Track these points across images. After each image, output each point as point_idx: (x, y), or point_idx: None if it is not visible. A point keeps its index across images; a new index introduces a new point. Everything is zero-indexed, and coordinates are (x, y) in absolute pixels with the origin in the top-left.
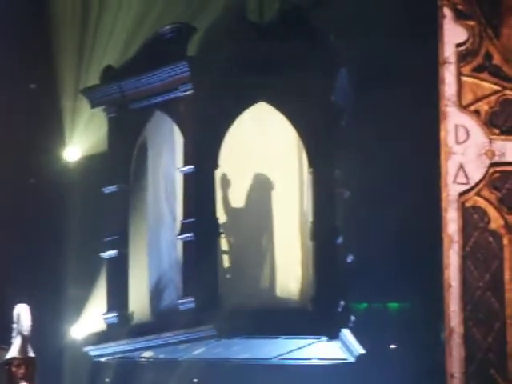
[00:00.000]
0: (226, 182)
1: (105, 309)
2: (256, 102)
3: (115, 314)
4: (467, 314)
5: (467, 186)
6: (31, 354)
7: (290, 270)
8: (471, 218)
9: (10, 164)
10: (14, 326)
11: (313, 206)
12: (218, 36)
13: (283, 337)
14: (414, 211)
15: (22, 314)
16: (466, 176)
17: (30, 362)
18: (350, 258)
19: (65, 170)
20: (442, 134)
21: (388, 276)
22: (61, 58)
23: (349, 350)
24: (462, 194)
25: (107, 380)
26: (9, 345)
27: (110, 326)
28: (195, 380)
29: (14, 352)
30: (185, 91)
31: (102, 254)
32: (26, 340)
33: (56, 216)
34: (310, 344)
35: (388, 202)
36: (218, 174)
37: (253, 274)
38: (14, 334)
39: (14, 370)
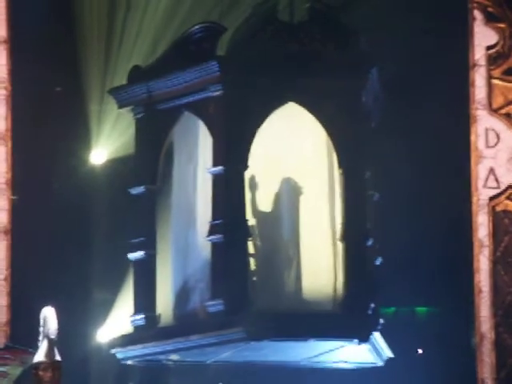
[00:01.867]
0: (255, 183)
1: (132, 311)
2: (286, 103)
3: (142, 316)
4: (498, 319)
5: (498, 190)
6: (58, 357)
7: (319, 272)
8: (502, 222)
9: (37, 167)
10: (41, 329)
11: (343, 208)
12: (248, 35)
13: (313, 339)
14: (445, 215)
15: (49, 318)
16: (497, 180)
17: (56, 366)
18: (379, 261)
19: (91, 173)
20: (473, 137)
21: (416, 280)
22: (87, 59)
23: (378, 353)
24: (492, 199)
25: (133, 383)
26: (36, 348)
27: (137, 328)
28: None
29: (40, 356)
30: (214, 91)
31: (129, 255)
32: (52, 344)
33: (83, 219)
34: (340, 347)
35: (418, 205)
36: (247, 175)
37: (282, 277)
38: (40, 337)
39: (41, 373)
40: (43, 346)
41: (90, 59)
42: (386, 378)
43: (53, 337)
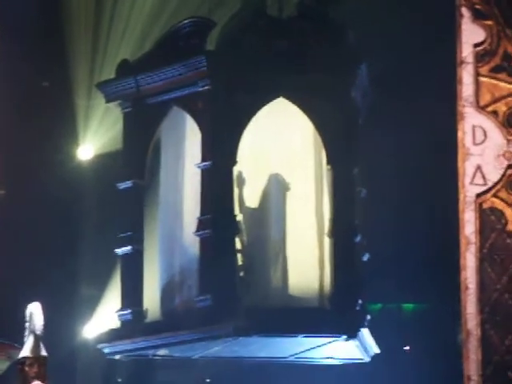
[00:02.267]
0: (243, 179)
1: (119, 306)
2: (275, 98)
3: (130, 311)
4: (484, 316)
5: (484, 188)
6: (44, 353)
7: (307, 267)
8: (488, 219)
9: (24, 162)
10: (27, 324)
11: (331, 204)
12: (236, 31)
13: (301, 335)
14: (431, 212)
15: (35, 313)
16: (484, 177)
17: (42, 361)
18: (366, 257)
19: (78, 168)
20: (460, 134)
21: (403, 276)
22: (74, 54)
23: (365, 349)
24: (479, 196)
25: (120, 378)
26: (21, 344)
27: (124, 323)
28: (208, 380)
29: (26, 351)
30: (202, 86)
31: (116, 250)
32: (38, 339)
33: (70, 213)
34: (327, 343)
35: (405, 202)
36: (235, 170)
37: (270, 272)
38: (26, 333)
39: (26, 369)
40: (29, 341)
41: (77, 54)
42: (373, 375)
43: (38, 332)
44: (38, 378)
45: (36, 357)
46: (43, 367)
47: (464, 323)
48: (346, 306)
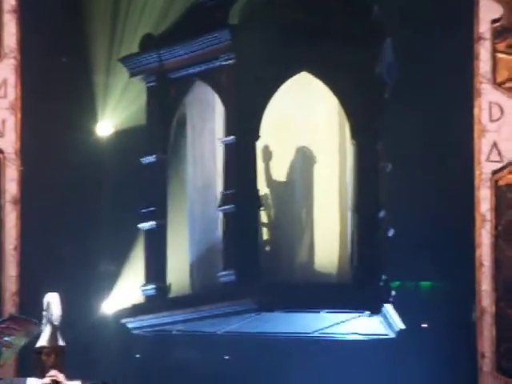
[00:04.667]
0: (267, 154)
1: (143, 281)
2: (298, 72)
3: (153, 286)
4: (499, 293)
5: (501, 165)
6: (61, 342)
7: (331, 243)
8: (504, 196)
9: (45, 138)
10: (44, 313)
11: (355, 179)
12: (260, 4)
13: (324, 311)
14: (448, 188)
15: (52, 303)
16: (500, 154)
17: (59, 351)
18: (391, 232)
19: (99, 144)
20: (476, 111)
21: (420, 254)
22: (93, 29)
23: (390, 325)
24: (495, 173)
25: (139, 354)
26: (41, 319)
27: (147, 298)
28: (226, 357)
29: (43, 341)
30: (226, 60)
31: (140, 225)
32: (55, 329)
33: (91, 189)
34: (351, 318)
35: (423, 179)
36: (259, 145)
37: (294, 248)
38: (43, 321)
39: (44, 358)
40: (46, 331)
41: (96, 29)
42: (391, 351)
43: (56, 323)
44: (54, 367)
45: (53, 346)
46: (60, 357)
47: (478, 301)
48: (369, 282)
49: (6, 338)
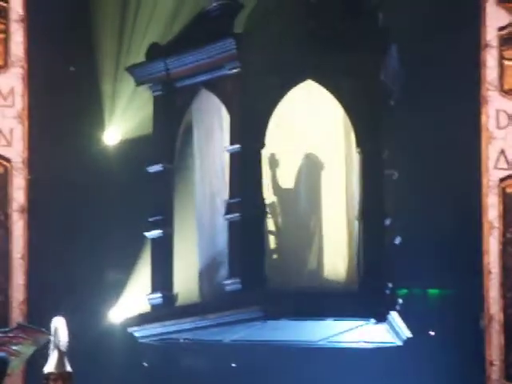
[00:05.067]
0: (273, 162)
1: (149, 290)
2: (304, 80)
3: (160, 295)
4: (507, 301)
5: (508, 172)
6: (68, 368)
7: (337, 251)
8: None
9: (52, 147)
10: (52, 338)
11: (361, 186)
12: (265, 13)
13: (330, 319)
14: (457, 196)
15: (59, 329)
16: (507, 161)
17: (66, 377)
18: (397, 240)
19: (105, 153)
20: (483, 118)
21: (428, 262)
22: (101, 38)
23: (396, 333)
24: (502, 180)
25: (146, 362)
26: (49, 329)
27: (154, 307)
28: (233, 365)
29: (51, 367)
30: (232, 69)
31: (146, 234)
32: (62, 355)
33: (98, 198)
34: (357, 326)
35: (430, 186)
36: (265, 153)
37: (300, 255)
38: (51, 347)
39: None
40: (53, 356)
41: (104, 38)
42: (399, 359)
43: (63, 348)
44: None
45: (60, 372)
46: (67, 382)
47: (487, 308)
48: (374, 290)
49: (13, 347)
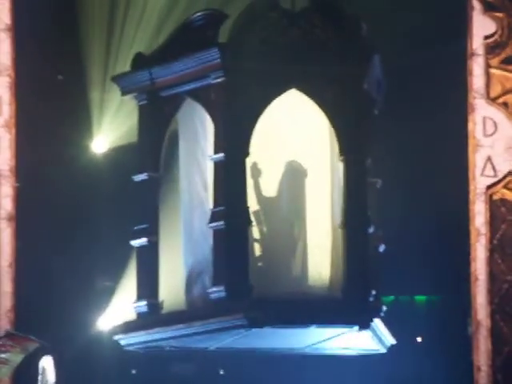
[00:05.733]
0: (257, 170)
1: (135, 297)
2: (288, 89)
3: (145, 303)
4: (494, 307)
5: (495, 179)
6: None
7: (321, 259)
8: (499, 210)
9: (40, 155)
10: (40, 377)
11: (344, 194)
12: (249, 22)
13: (314, 326)
14: (443, 203)
15: (47, 369)
16: (494, 169)
17: None
18: (382, 248)
19: (93, 161)
20: (470, 126)
21: (415, 268)
22: (88, 47)
23: (380, 340)
24: (489, 187)
25: (135, 370)
26: (37, 336)
27: (139, 314)
28: (221, 372)
29: None
30: (216, 78)
31: (132, 242)
32: None
33: (86, 206)
34: (341, 333)
35: (417, 193)
36: (249, 162)
37: (284, 263)
38: None
39: None
40: None
41: (91, 47)
42: (385, 366)
43: None
44: None
45: None
46: None
47: (474, 314)
48: (358, 297)
49: (2, 355)
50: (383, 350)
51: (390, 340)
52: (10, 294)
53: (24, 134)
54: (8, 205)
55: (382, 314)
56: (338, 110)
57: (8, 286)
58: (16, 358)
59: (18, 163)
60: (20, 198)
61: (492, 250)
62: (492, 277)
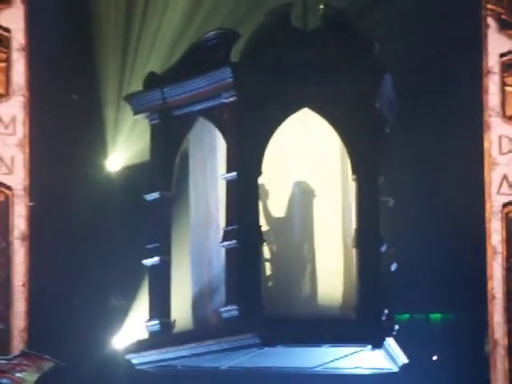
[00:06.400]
0: (268, 189)
1: (147, 316)
2: (300, 109)
3: (157, 322)
4: (511, 326)
5: (511, 197)
6: None
7: (333, 277)
8: None
9: (54, 174)
10: None
11: (357, 214)
12: (262, 42)
13: (327, 345)
14: (459, 221)
15: None
16: (510, 187)
17: None
18: (394, 266)
19: (108, 180)
20: (486, 144)
21: (430, 286)
22: (103, 66)
23: (392, 359)
24: (505, 205)
25: None
26: (52, 355)
27: (152, 333)
28: None
29: None
30: (228, 98)
31: (144, 261)
32: None
33: (99, 225)
34: (353, 353)
35: (434, 211)
36: (261, 180)
37: (296, 282)
38: None
39: None
40: None
41: (106, 66)
42: None
43: None
44: None
45: None
46: None
47: (491, 333)
48: (371, 316)
49: (17, 375)
50: (396, 369)
51: (403, 359)
52: (23, 314)
53: (38, 153)
54: (22, 224)
55: (395, 333)
56: (351, 129)
57: (22, 306)
58: (31, 377)
59: (32, 182)
60: (34, 217)
61: (508, 269)
62: (509, 295)
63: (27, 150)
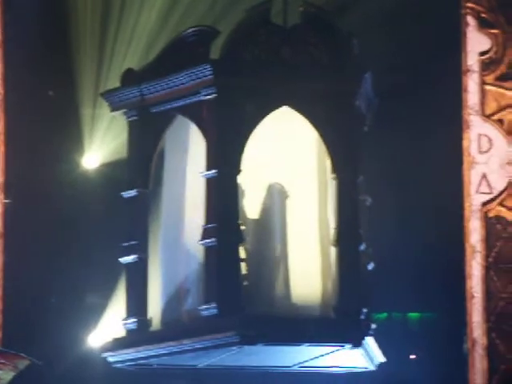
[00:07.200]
0: (247, 187)
1: (124, 315)
2: (279, 107)
3: (134, 320)
4: (490, 325)
5: (490, 196)
6: None
7: (311, 276)
8: (494, 228)
9: (30, 171)
10: None
11: (335, 212)
12: (240, 39)
13: (306, 344)
14: (437, 220)
15: None
16: (489, 186)
17: None
18: (371, 266)
19: (84, 177)
20: (465, 143)
21: (409, 285)
22: (80, 63)
23: (371, 358)
24: (484, 204)
25: None
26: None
27: (128, 332)
28: None
29: None
30: (207, 95)
31: (121, 259)
32: None
33: (75, 222)
34: (332, 352)
35: (410, 210)
36: (239, 179)
37: (275, 281)
38: None
39: None
40: None
41: (83, 63)
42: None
43: None
44: None
45: None
46: None
47: (470, 332)
48: (350, 315)
49: None
50: (372, 368)
51: (380, 358)
52: None
53: (13, 149)
54: None
55: (372, 332)
56: (330, 126)
57: None
58: (7, 375)
59: (7, 179)
60: (9, 214)
61: (487, 268)
62: (488, 294)
63: (2, 147)
